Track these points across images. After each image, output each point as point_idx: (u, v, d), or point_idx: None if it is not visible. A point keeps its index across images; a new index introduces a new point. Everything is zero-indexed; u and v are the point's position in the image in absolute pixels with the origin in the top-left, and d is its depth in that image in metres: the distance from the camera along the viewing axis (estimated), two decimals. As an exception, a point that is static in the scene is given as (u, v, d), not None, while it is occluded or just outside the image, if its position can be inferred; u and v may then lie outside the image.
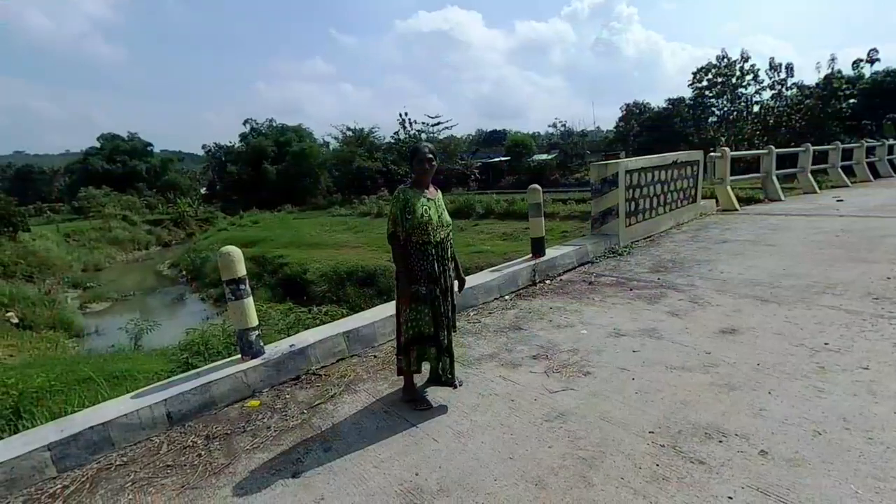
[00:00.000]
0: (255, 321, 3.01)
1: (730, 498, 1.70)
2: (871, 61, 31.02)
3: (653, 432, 2.14)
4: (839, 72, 30.57)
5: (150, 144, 49.56)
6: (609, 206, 5.90)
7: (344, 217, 25.89)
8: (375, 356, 3.33)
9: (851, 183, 11.58)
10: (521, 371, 2.90)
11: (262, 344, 3.06)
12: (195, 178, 52.36)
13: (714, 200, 8.58)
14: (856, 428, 2.01)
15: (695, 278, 4.44)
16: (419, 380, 2.84)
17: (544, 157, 39.25)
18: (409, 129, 37.20)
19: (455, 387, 2.68)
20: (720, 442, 2.02)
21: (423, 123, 37.32)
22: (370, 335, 3.51)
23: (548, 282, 4.83)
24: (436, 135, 37.04)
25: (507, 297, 4.44)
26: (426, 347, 2.53)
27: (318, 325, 4.36)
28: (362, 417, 2.55)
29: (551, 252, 5.24)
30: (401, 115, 36.98)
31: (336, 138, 40.63)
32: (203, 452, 2.33)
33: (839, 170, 11.64)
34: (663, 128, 32.93)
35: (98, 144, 46.73)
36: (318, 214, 29.71)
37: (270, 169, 40.07)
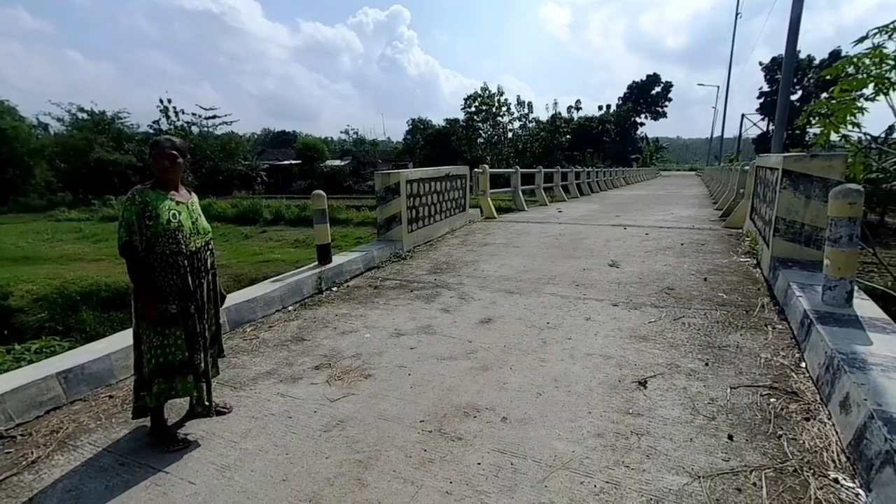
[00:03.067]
0: None
1: (478, 463, 2.02)
2: (577, 108, 42.39)
3: (423, 421, 2.36)
4: (560, 114, 40.61)
5: None
6: (393, 213, 6.27)
7: (77, 222, 19.96)
8: (112, 396, 2.67)
9: (567, 198, 15.47)
10: (302, 384, 2.79)
11: None
12: None
13: (479, 210, 10.14)
14: (561, 386, 2.67)
15: (463, 277, 5.13)
16: (175, 415, 2.42)
17: (337, 163, 39.16)
18: (174, 118, 31.62)
19: (219, 413, 2.41)
20: (474, 417, 2.38)
21: (194, 115, 32.39)
22: (103, 371, 2.80)
23: (335, 289, 4.81)
24: (211, 129, 32.57)
25: (290, 308, 4.22)
26: (177, 377, 2.16)
27: (24, 366, 3.22)
28: (84, 480, 2.00)
29: (339, 259, 5.23)
30: (162, 101, 31.17)
31: (61, 120, 31.00)
32: None
33: (560, 188, 15.42)
34: (443, 144, 37.18)
35: None
36: (33, 218, 22.08)
37: (-69, 153, 27.58)
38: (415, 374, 2.88)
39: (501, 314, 3.91)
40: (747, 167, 8.19)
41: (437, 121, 41.39)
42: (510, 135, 39.60)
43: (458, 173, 8.36)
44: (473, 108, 38.79)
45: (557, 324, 3.66)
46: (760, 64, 48.41)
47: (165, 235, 2.07)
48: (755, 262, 5.32)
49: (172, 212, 2.11)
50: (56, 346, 5.33)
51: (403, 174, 6.36)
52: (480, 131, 39.33)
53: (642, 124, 50.40)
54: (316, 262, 5.02)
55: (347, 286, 4.92)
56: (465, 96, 38.99)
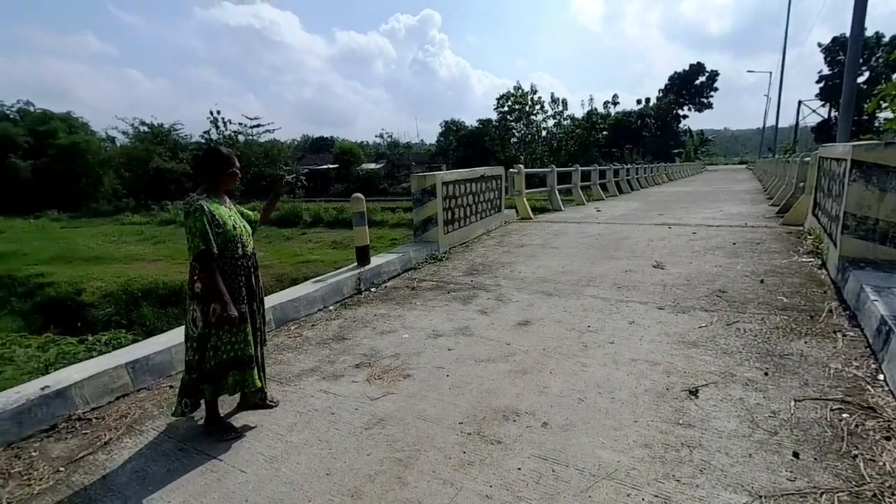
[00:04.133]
0: (-25, 365, 2.26)
1: (518, 469, 1.98)
2: (615, 103, 41.05)
3: (462, 423, 2.34)
4: (595, 110, 39.44)
5: None
6: (429, 215, 6.30)
7: (139, 225, 21.49)
8: (172, 387, 2.84)
9: (606, 197, 15.01)
10: (343, 382, 2.84)
11: (-10, 392, 2.33)
12: None
13: (515, 210, 10.01)
14: (604, 392, 2.58)
15: (500, 279, 5.08)
16: (227, 407, 2.54)
17: (373, 166, 39.91)
18: (222, 129, 33.41)
19: (267, 406, 2.54)
20: (514, 421, 2.34)
21: (240, 124, 34.11)
22: (165, 363, 2.99)
23: (373, 289, 4.88)
24: (255, 137, 34.12)
25: (331, 308, 4.32)
26: (246, 371, 2.30)
27: (94, 357, 3.51)
28: (148, 462, 2.15)
29: (377, 260, 5.31)
30: (212, 112, 32.96)
31: (125, 133, 33.76)
32: None
33: (598, 186, 14.98)
34: (476, 144, 37.05)
35: None
36: (102, 222, 24.00)
37: (22, 164, 30.76)
38: (453, 375, 2.87)
39: (540, 317, 3.84)
40: (807, 158, 7.63)
41: (470, 122, 41.29)
42: (544, 133, 38.83)
43: (493, 174, 8.29)
44: (506, 108, 38.32)
45: (599, 327, 3.54)
46: (819, 45, 44.80)
47: (232, 241, 2.21)
48: (820, 262, 4.94)
49: (232, 218, 2.26)
50: (122, 339, 5.76)
51: (439, 176, 6.38)
52: (514, 131, 38.82)
53: (685, 117, 48.02)
54: (355, 264, 5.12)
55: (385, 287, 4.99)
56: (498, 96, 38.58)
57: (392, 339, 3.51)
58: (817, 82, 45.45)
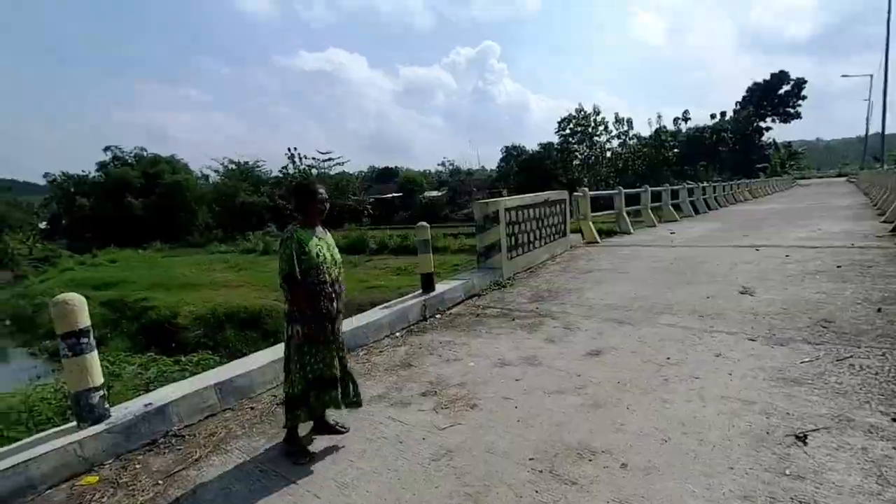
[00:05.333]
0: (98, 380, 2.57)
1: (597, 514, 1.84)
2: (686, 119, 38.90)
3: (532, 458, 2.24)
4: (664, 127, 37.62)
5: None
6: (492, 241, 6.29)
7: (225, 254, 23.66)
8: (252, 408, 3.02)
9: (680, 217, 14.09)
10: (411, 410, 2.86)
11: (107, 406, 2.62)
12: (32, 212, 45.50)
13: (580, 234, 9.70)
14: (691, 431, 2.35)
15: (567, 306, 4.90)
16: (303, 430, 2.64)
17: (435, 193, 40.88)
18: (298, 164, 36.25)
19: (338, 431, 2.63)
20: (589, 460, 2.20)
21: (314, 159, 36.79)
22: (246, 385, 3.19)
23: (438, 316, 4.92)
24: (327, 171, 36.58)
25: (398, 334, 4.40)
26: (327, 389, 2.44)
27: (187, 377, 3.86)
28: (233, 480, 2.28)
29: (441, 287, 5.37)
30: (290, 149, 35.98)
31: (217, 171, 37.91)
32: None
33: (670, 207, 14.12)
34: (538, 169, 36.68)
35: None
36: (195, 252, 26.79)
37: (136, 203, 35.43)
38: (521, 407, 2.77)
39: (612, 346, 3.63)
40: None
41: (531, 146, 41.12)
42: (608, 154, 37.62)
43: (557, 198, 8.15)
44: (568, 130, 37.78)
45: (680, 359, 3.27)
46: (932, 43, 39.57)
47: (316, 267, 2.38)
48: (948, 288, 4.24)
49: (318, 247, 2.43)
50: (210, 360, 6.27)
51: (502, 202, 6.38)
52: (577, 153, 38.02)
53: (768, 129, 44.25)
54: (420, 290, 5.21)
55: (450, 314, 5.00)
56: (560, 119, 38.17)
57: (458, 367, 3.49)
58: (931, 81, 39.95)
